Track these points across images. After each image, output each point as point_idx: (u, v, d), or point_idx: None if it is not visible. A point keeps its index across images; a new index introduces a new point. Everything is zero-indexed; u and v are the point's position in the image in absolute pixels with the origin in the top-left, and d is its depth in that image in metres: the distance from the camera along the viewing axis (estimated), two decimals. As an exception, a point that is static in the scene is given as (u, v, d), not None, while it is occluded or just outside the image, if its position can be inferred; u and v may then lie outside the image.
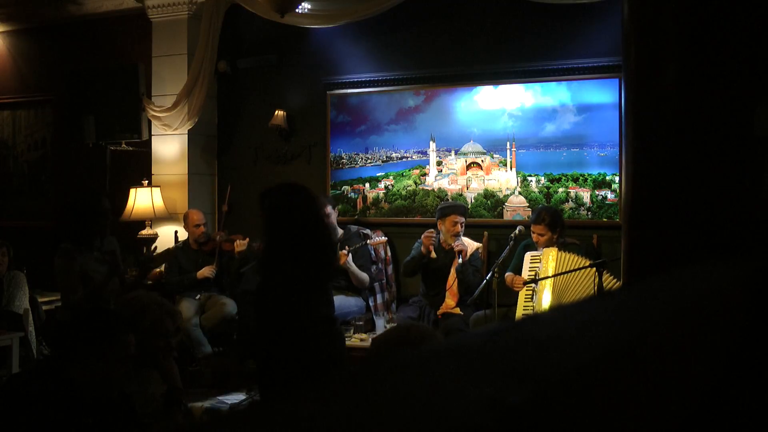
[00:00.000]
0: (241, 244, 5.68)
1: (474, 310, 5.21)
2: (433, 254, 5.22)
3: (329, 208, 5.49)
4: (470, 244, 5.31)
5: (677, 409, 0.86)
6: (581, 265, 4.67)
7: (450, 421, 0.45)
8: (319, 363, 3.19)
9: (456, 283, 5.15)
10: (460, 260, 5.10)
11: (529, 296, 4.84)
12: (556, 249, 4.83)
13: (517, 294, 4.92)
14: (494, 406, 0.47)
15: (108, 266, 4.19)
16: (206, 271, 5.67)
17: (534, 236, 4.93)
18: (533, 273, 4.86)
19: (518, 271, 5.01)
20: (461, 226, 5.18)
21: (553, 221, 4.90)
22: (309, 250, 3.26)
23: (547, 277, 4.69)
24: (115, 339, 2.29)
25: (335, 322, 3.55)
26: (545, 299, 4.74)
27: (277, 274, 3.25)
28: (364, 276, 5.42)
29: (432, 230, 5.21)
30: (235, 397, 5.21)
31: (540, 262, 4.87)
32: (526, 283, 4.84)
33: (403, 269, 5.46)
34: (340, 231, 5.64)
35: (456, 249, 5.11)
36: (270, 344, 3.29)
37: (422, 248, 5.21)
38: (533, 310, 4.77)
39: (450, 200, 5.73)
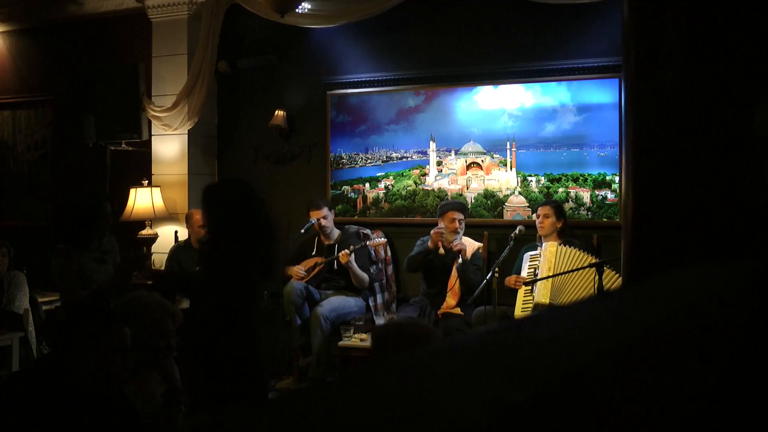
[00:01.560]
0: None
1: (474, 310, 5.22)
2: (442, 250, 5.23)
3: (325, 210, 5.51)
4: (471, 244, 5.32)
5: (678, 409, 0.86)
6: (581, 259, 4.74)
7: (450, 421, 0.45)
8: (236, 358, 3.18)
9: (457, 282, 5.16)
10: (461, 260, 5.11)
11: (529, 292, 4.87)
12: (556, 244, 4.86)
13: (516, 293, 4.94)
14: (494, 406, 0.47)
15: (107, 266, 4.18)
16: None
17: (539, 220, 5.00)
18: (532, 271, 4.89)
19: (519, 273, 5.04)
20: (459, 223, 5.20)
21: (558, 208, 5.05)
22: (244, 244, 3.28)
23: (547, 277, 4.71)
24: (110, 332, 2.29)
25: (258, 322, 3.49)
26: (543, 293, 4.77)
27: (216, 267, 3.27)
28: (364, 276, 5.44)
29: (440, 227, 5.19)
30: (235, 397, 5.21)
31: (540, 257, 4.90)
32: (526, 283, 4.86)
33: (406, 264, 5.43)
34: (338, 231, 5.66)
35: (455, 249, 5.13)
36: (200, 336, 3.28)
37: (430, 243, 5.19)
38: (532, 301, 4.79)
39: (450, 199, 5.74)
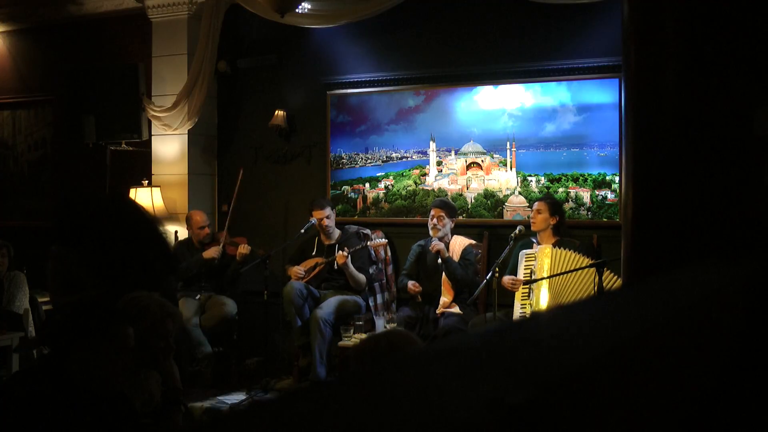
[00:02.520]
0: (244, 248, 5.71)
1: (474, 310, 5.22)
2: (419, 298, 5.38)
3: (328, 210, 5.53)
4: (461, 241, 5.34)
5: (677, 409, 0.86)
6: (577, 263, 4.70)
7: (450, 421, 0.45)
8: None
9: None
10: (439, 261, 5.16)
11: (526, 295, 4.84)
12: (551, 246, 4.84)
13: (514, 295, 4.93)
14: (494, 406, 0.47)
15: None
16: (213, 252, 5.73)
17: (532, 213, 4.99)
18: (529, 271, 4.86)
19: (515, 272, 5.00)
20: (438, 220, 5.25)
21: (555, 204, 5.01)
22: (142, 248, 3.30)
23: (545, 278, 4.68)
24: (111, 332, 2.29)
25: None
26: (543, 299, 4.74)
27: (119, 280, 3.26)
28: (361, 277, 5.44)
29: (418, 288, 5.30)
30: (235, 397, 5.22)
31: (535, 260, 4.87)
32: (525, 283, 4.84)
33: (399, 287, 5.60)
34: (338, 231, 5.66)
35: (432, 250, 5.21)
36: None
37: (408, 290, 5.34)
38: (531, 308, 4.78)
39: (449, 199, 5.75)
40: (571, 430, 0.55)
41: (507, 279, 4.90)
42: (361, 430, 0.43)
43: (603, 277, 4.33)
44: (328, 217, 5.53)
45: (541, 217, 4.94)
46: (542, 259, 4.81)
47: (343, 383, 0.51)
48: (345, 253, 5.34)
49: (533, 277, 4.78)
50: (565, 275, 4.72)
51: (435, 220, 5.25)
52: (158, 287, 3.18)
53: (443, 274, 5.23)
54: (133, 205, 3.56)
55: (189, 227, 5.94)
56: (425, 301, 5.33)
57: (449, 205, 5.43)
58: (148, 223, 3.47)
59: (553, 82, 5.50)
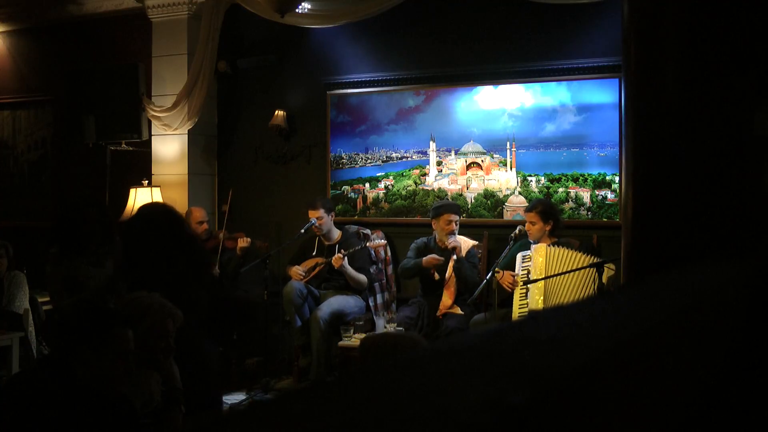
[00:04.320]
0: (244, 242, 5.69)
1: (474, 311, 5.21)
2: (437, 276, 5.27)
3: (321, 212, 5.49)
4: (465, 242, 5.32)
5: (677, 409, 0.86)
6: (572, 259, 4.68)
7: (450, 420, 0.45)
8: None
9: (454, 281, 5.17)
10: (455, 257, 5.12)
11: (523, 295, 4.83)
12: (545, 246, 4.82)
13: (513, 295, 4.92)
14: (494, 406, 0.47)
15: (105, 269, 4.18)
16: None
17: (526, 225, 4.95)
18: (525, 272, 4.85)
19: (509, 268, 4.97)
20: (456, 225, 5.20)
21: (546, 211, 4.90)
22: (173, 268, 3.33)
23: (543, 278, 4.67)
24: (112, 335, 2.29)
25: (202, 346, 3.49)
26: (537, 297, 4.73)
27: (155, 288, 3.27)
28: (362, 278, 5.43)
29: (439, 257, 5.19)
30: (235, 397, 5.22)
31: (531, 260, 4.86)
32: (526, 282, 4.83)
33: (399, 272, 5.53)
34: (338, 232, 5.65)
35: (450, 246, 5.14)
36: None
37: (424, 263, 5.22)
38: (527, 308, 4.77)
39: (448, 200, 5.73)
40: (571, 430, 0.55)
41: (507, 277, 4.88)
42: (361, 430, 0.43)
43: (602, 273, 4.33)
44: (320, 218, 5.49)
45: (535, 228, 4.89)
46: (536, 258, 4.79)
47: (343, 383, 0.51)
48: (341, 255, 5.32)
49: (530, 278, 4.77)
50: (560, 275, 4.69)
51: (453, 224, 5.21)
52: (180, 292, 3.20)
53: (446, 274, 5.21)
54: (164, 213, 3.59)
55: (188, 223, 5.94)
56: (425, 300, 5.32)
57: (461, 209, 5.46)
58: (174, 233, 3.48)
59: (553, 82, 5.51)
